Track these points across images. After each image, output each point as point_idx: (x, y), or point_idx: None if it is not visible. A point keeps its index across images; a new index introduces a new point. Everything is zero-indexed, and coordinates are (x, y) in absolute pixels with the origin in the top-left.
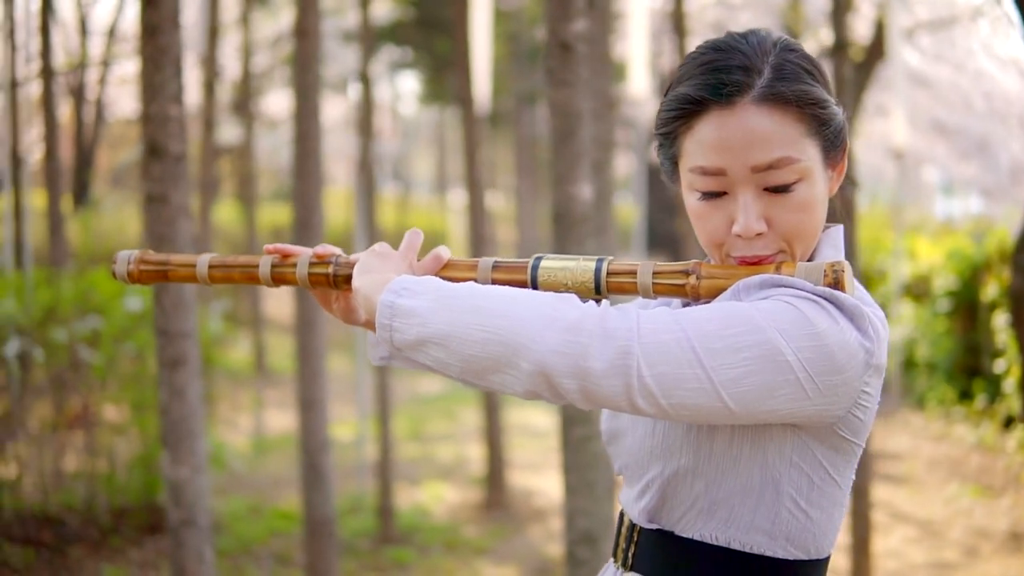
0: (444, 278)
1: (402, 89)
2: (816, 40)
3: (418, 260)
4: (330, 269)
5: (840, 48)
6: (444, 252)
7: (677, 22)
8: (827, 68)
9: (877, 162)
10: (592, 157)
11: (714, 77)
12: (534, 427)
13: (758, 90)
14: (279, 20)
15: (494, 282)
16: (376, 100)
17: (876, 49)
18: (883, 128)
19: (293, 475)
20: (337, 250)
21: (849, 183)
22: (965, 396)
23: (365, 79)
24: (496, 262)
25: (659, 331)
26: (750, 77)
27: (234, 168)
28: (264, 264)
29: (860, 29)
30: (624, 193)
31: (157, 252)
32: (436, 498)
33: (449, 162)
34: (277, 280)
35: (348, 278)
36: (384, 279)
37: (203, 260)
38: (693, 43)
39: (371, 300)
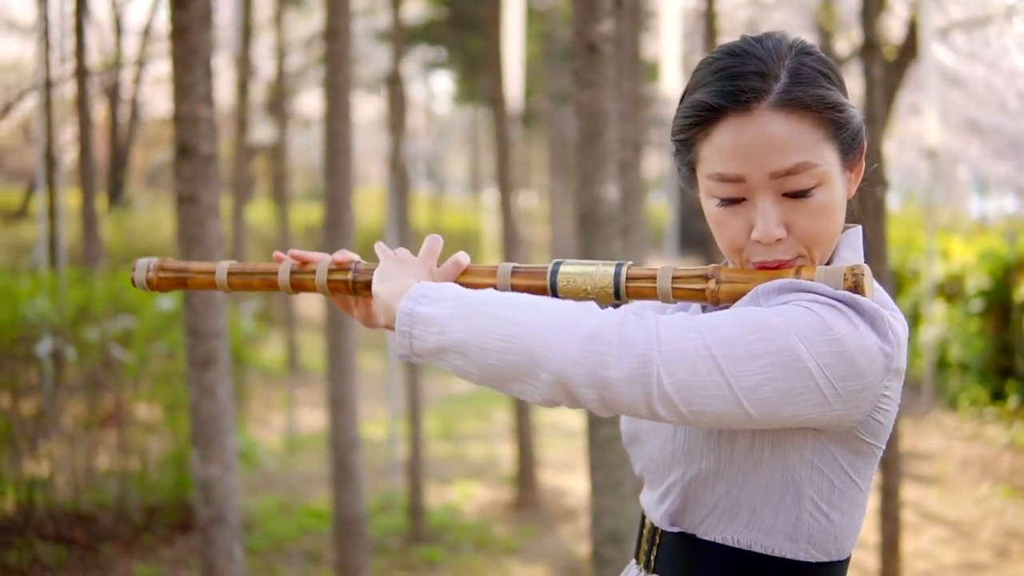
0: (463, 284)
1: (436, 89)
2: (849, 39)
3: (438, 266)
4: (349, 276)
5: (871, 47)
6: (463, 258)
7: (709, 21)
8: (858, 68)
9: (911, 162)
10: (620, 158)
11: (731, 84)
12: (565, 426)
13: (775, 95)
14: (312, 20)
15: (513, 288)
16: (410, 99)
17: (909, 48)
18: (916, 128)
19: (325, 473)
20: (356, 256)
21: (880, 183)
22: (998, 396)
23: (396, 78)
24: (515, 268)
25: (678, 339)
26: (767, 83)
27: (268, 168)
28: (283, 272)
29: (893, 28)
30: (658, 193)
31: (182, 256)
32: (466, 497)
33: (483, 161)
34: (296, 287)
35: (367, 284)
36: (404, 285)
37: (222, 267)
38: (725, 42)
39: (391, 307)
